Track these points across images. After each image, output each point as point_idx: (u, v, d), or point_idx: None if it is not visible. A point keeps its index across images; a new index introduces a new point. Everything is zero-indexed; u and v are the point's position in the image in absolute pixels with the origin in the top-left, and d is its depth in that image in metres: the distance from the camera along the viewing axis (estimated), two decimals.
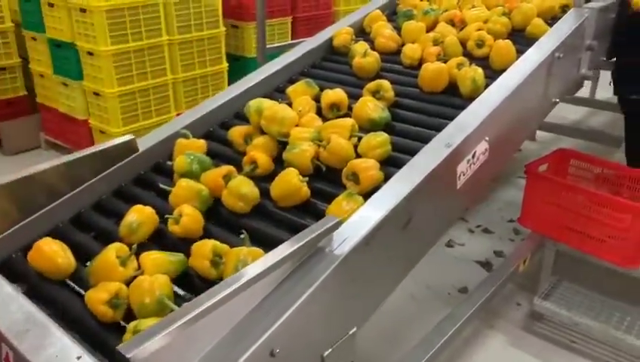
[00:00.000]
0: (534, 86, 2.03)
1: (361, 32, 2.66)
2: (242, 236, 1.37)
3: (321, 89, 2.10)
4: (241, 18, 4.27)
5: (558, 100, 2.23)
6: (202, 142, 1.81)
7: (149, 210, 1.53)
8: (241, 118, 2.01)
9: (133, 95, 3.48)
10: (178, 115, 3.68)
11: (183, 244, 1.46)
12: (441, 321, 2.12)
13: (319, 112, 1.96)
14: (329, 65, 2.42)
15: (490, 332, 2.50)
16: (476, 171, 1.68)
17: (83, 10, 3.32)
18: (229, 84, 4.03)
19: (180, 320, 0.98)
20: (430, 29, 2.45)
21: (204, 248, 1.35)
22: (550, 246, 2.46)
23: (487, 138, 1.69)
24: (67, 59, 3.65)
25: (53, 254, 1.40)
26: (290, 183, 1.54)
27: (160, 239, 1.54)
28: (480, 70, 1.96)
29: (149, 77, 3.52)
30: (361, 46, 2.31)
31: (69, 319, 1.31)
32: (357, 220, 1.35)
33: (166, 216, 1.50)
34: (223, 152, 1.88)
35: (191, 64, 3.75)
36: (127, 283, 1.31)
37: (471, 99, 1.93)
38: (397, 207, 1.39)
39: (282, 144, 1.76)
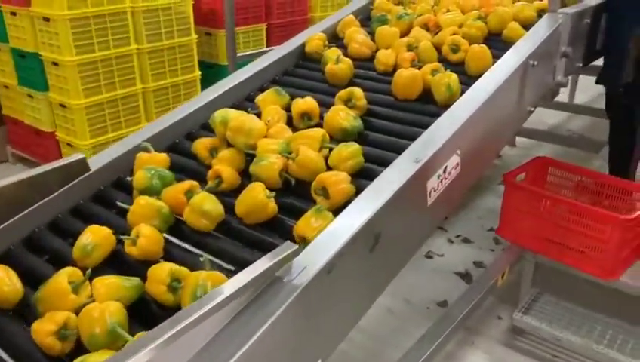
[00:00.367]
0: (508, 96, 1.95)
1: (335, 38, 2.58)
2: (202, 259, 1.27)
3: (293, 97, 2.01)
4: (214, 25, 4.18)
5: (533, 109, 2.16)
6: (164, 156, 1.71)
7: (105, 231, 1.43)
8: (208, 128, 1.90)
9: (101, 106, 3.36)
10: None
11: (141, 267, 1.36)
12: (419, 339, 2.04)
13: (290, 122, 1.88)
14: (301, 72, 2.34)
15: (470, 349, 2.42)
16: (448, 186, 1.59)
17: (46, 19, 3.20)
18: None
19: (132, 357, 0.89)
20: (404, 34, 2.38)
21: (161, 272, 1.25)
22: (529, 258, 2.39)
23: (458, 151, 1.61)
24: (32, 70, 3.51)
25: None
26: (256, 199, 1.44)
27: (117, 262, 1.43)
28: (454, 76, 1.88)
29: (118, 87, 3.40)
30: (334, 52, 2.23)
31: (14, 353, 1.20)
32: (319, 244, 1.25)
33: (121, 237, 1.40)
34: (188, 166, 1.78)
35: (162, 73, 3.64)
36: (80, 311, 1.21)
37: (446, 106, 1.86)
38: (362, 229, 1.28)
39: (250, 156, 1.66)
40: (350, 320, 1.36)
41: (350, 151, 1.59)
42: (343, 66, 2.10)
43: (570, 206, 2.16)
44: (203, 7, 4.16)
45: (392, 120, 1.89)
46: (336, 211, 1.39)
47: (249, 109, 1.95)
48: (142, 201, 1.48)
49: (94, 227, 1.44)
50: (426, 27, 2.38)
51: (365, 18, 2.74)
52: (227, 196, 1.57)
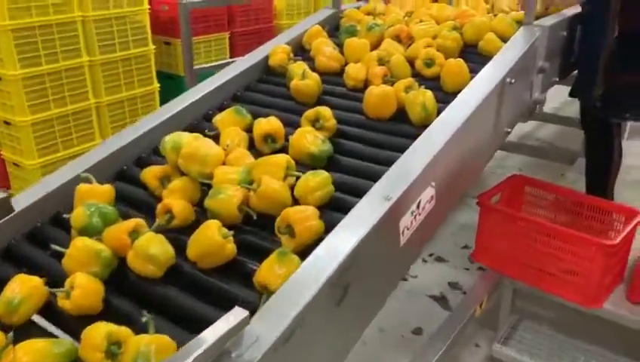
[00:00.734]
0: (485, 118, 1.80)
1: (301, 50, 2.42)
2: (144, 319, 1.08)
3: (256, 115, 1.84)
4: (173, 34, 3.96)
5: (510, 130, 2.02)
6: (108, 188, 1.51)
7: (35, 281, 1.23)
8: (161, 153, 1.72)
9: (50, 122, 3.11)
10: None
11: (77, 323, 1.16)
12: None
13: (252, 144, 1.70)
14: (265, 88, 2.16)
15: None
16: (422, 221, 1.43)
17: None
18: (160, 105, 3.71)
19: None
20: (375, 45, 2.22)
21: (96, 335, 1.05)
22: (507, 284, 2.25)
23: (433, 183, 1.44)
24: None
25: None
26: (212, 240, 1.26)
27: (51, 315, 1.24)
28: (430, 94, 1.73)
29: (68, 102, 3.15)
30: (299, 67, 2.06)
31: None
32: (280, 299, 1.07)
33: (51, 290, 1.20)
34: (137, 197, 1.59)
35: (117, 86, 3.41)
36: None
37: (422, 126, 1.71)
38: (328, 281, 1.10)
39: (207, 186, 1.48)
40: None
41: (318, 181, 1.41)
42: (309, 82, 1.93)
43: (550, 230, 2.03)
44: (161, 16, 3.94)
45: (364, 142, 1.73)
46: (304, 252, 1.22)
47: (206, 131, 1.77)
48: (79, 244, 1.28)
49: (22, 277, 1.24)
50: (397, 39, 2.23)
51: (333, 28, 2.58)
52: (180, 233, 1.38)
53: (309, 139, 1.59)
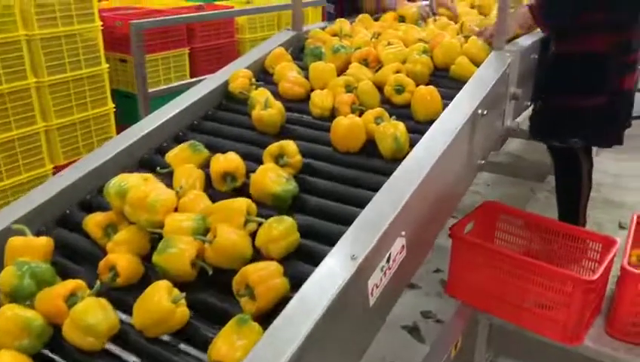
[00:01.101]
0: (457, 154, 1.67)
1: (264, 73, 2.27)
2: None
3: (215, 148, 1.70)
4: (129, 52, 3.76)
5: (483, 162, 1.90)
6: (44, 242, 1.33)
7: None
8: None
9: None
10: (55, 168, 3.14)
11: None
12: None
13: (210, 182, 1.55)
14: (224, 116, 2.00)
15: None
16: (394, 275, 1.29)
17: None
18: (117, 126, 3.52)
19: None
20: (342, 69, 2.08)
21: None
22: (483, 320, 2.14)
23: (403, 233, 1.31)
24: None
25: None
26: (159, 306, 1.10)
27: None
28: (401, 126, 1.61)
29: (13, 127, 2.94)
30: (261, 94, 1.91)
31: None
32: None
33: None
34: (81, 248, 1.41)
35: (67, 108, 3.21)
36: None
37: (394, 159, 1.59)
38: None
39: (158, 235, 1.32)
40: None
41: (282, 230, 1.27)
42: (272, 112, 1.79)
43: (527, 264, 1.92)
44: (116, 32, 3.76)
45: (331, 178, 1.59)
46: (266, 320, 1.07)
47: (158, 169, 1.61)
48: (8, 313, 1.11)
49: None
50: (365, 62, 2.10)
51: (298, 49, 2.43)
52: (127, 292, 1.22)
53: (272, 178, 1.45)
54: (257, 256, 1.27)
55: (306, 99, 1.95)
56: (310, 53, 2.22)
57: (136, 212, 1.32)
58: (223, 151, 1.63)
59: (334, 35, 2.42)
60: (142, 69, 2.72)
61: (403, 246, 1.29)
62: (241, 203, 1.33)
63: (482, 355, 2.21)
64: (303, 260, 1.29)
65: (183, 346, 1.12)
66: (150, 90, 2.80)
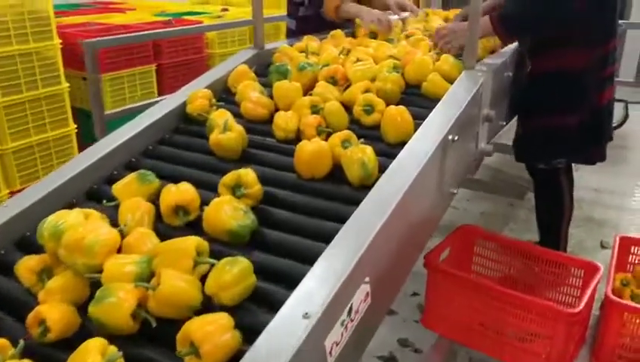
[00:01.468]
0: (427, 185, 1.54)
1: (227, 92, 2.15)
2: None
3: (169, 176, 1.57)
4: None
5: (456, 191, 1.77)
6: None
7: None
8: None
9: None
10: (11, 193, 2.96)
11: None
12: None
13: (159, 217, 1.42)
14: (181, 141, 1.87)
15: None
16: (357, 326, 1.14)
17: None
18: (81, 146, 3.35)
19: None
20: (308, 88, 1.97)
21: None
22: (462, 354, 2.02)
23: (367, 279, 1.16)
24: None
25: None
26: None
27: None
28: (370, 151, 1.49)
29: None
30: (221, 116, 1.79)
31: None
32: None
33: None
34: (12, 296, 1.26)
35: (24, 130, 3.03)
36: None
37: (362, 186, 1.47)
38: None
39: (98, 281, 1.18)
40: None
41: (236, 274, 1.13)
42: (231, 135, 1.66)
43: (506, 296, 1.80)
44: (77, 49, 3.58)
45: (294, 208, 1.47)
46: None
47: (104, 201, 1.47)
48: None
49: None
50: (332, 80, 1.98)
51: (264, 66, 2.31)
52: (61, 348, 1.08)
53: (228, 212, 1.32)
54: (209, 302, 1.14)
55: (270, 120, 1.83)
56: (275, 70, 2.10)
57: (72, 255, 1.17)
58: (179, 180, 1.50)
59: (302, 51, 2.31)
60: (97, 90, 2.57)
61: (367, 293, 1.16)
62: (190, 243, 1.19)
63: None
64: (260, 306, 1.15)
65: None
66: (110, 112, 2.64)
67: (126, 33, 3.76)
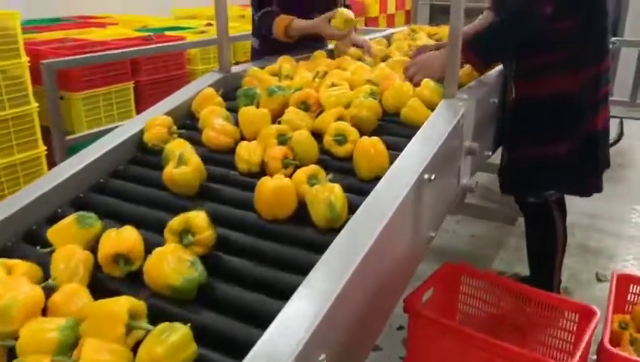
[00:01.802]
0: (400, 232, 1.36)
1: (191, 118, 1.99)
2: None
3: (117, 215, 1.42)
4: (65, 87, 3.45)
5: (434, 234, 1.60)
6: None
7: None
8: None
9: None
10: None
11: None
12: None
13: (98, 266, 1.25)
14: (136, 173, 1.71)
15: None
16: None
17: None
18: (49, 169, 3.18)
19: None
20: (278, 114, 1.81)
21: None
22: None
23: (323, 356, 0.97)
24: None
25: None
26: None
27: None
28: (338, 190, 1.33)
29: None
30: (178, 146, 1.63)
31: None
32: None
33: None
34: None
35: None
36: None
37: (328, 229, 1.31)
38: None
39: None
40: None
41: (172, 345, 0.97)
42: (186, 170, 1.50)
43: (492, 347, 1.63)
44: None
45: (253, 255, 1.30)
46: None
47: (38, 247, 1.31)
48: None
49: None
50: (304, 106, 1.83)
51: (232, 90, 2.15)
52: None
53: (171, 265, 1.15)
54: None
55: (235, 149, 1.67)
56: (243, 94, 1.95)
57: None
58: (126, 220, 1.35)
59: (274, 74, 2.15)
60: (55, 114, 2.40)
61: None
62: (122, 305, 1.03)
63: None
64: None
65: None
66: (83, 133, 2.48)
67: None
